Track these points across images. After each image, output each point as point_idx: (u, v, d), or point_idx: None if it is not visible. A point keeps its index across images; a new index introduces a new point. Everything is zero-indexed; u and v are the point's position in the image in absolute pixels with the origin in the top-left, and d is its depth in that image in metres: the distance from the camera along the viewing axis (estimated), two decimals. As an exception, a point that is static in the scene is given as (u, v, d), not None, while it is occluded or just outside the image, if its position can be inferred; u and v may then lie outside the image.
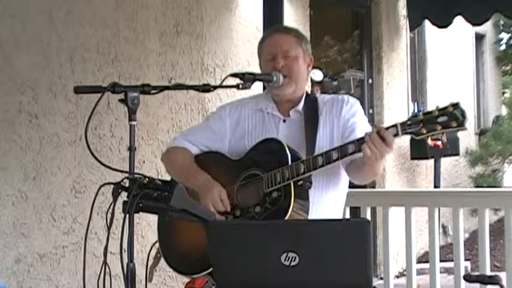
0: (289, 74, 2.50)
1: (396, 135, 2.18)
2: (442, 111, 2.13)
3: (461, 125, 2.11)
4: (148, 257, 2.51)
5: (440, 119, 2.12)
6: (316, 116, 2.53)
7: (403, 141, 7.00)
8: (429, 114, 2.15)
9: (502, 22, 11.04)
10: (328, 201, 2.50)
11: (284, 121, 2.57)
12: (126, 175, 1.98)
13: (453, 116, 2.11)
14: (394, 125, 2.19)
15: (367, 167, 2.31)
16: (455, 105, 2.11)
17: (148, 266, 2.57)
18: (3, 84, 3.52)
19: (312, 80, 6.04)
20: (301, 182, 2.35)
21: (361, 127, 2.50)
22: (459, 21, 4.82)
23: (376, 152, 2.19)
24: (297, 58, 2.53)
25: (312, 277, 1.79)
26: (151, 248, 2.59)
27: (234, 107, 2.66)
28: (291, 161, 2.35)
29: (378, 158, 2.21)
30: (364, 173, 2.41)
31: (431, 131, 2.14)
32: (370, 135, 2.19)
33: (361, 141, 2.23)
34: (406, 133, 2.18)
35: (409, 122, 2.17)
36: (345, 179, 2.55)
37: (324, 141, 2.49)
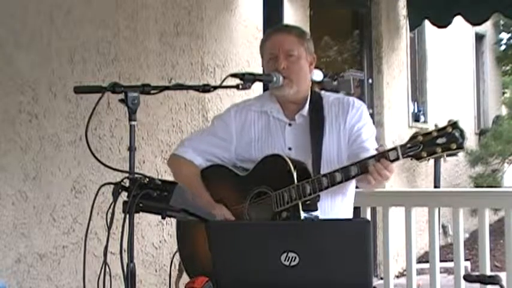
0: (290, 75, 2.48)
1: (397, 159, 2.20)
2: (441, 131, 2.12)
3: (460, 147, 2.11)
4: (170, 266, 2.51)
5: (439, 141, 2.12)
6: (322, 119, 2.51)
7: (403, 142, 7.00)
8: (428, 136, 2.14)
9: (502, 22, 11.04)
10: (337, 207, 2.49)
11: (290, 125, 2.55)
12: (126, 175, 1.98)
13: (452, 137, 2.10)
14: (394, 148, 2.20)
15: (370, 185, 2.34)
16: (454, 125, 2.11)
17: (172, 276, 2.57)
18: (3, 84, 3.52)
19: (312, 80, 6.03)
20: (309, 201, 2.35)
21: (366, 131, 2.51)
22: (459, 21, 4.82)
23: (380, 180, 2.24)
24: (299, 58, 2.51)
25: (312, 277, 1.79)
26: (173, 257, 2.57)
27: (239, 111, 2.62)
28: (297, 180, 2.33)
29: (381, 182, 2.27)
30: (367, 187, 2.43)
31: (432, 154, 2.14)
32: (374, 166, 2.21)
33: (363, 163, 2.25)
34: (408, 156, 2.18)
35: (409, 145, 2.17)
36: (352, 184, 2.53)
37: (330, 147, 2.48)
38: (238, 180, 2.52)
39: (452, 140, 2.10)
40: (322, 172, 2.39)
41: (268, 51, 2.54)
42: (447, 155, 2.16)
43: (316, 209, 2.38)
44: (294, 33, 2.56)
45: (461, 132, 2.10)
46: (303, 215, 2.34)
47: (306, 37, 2.59)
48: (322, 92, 2.64)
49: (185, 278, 2.59)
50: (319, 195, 2.36)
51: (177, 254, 2.63)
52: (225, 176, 2.56)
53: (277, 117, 2.56)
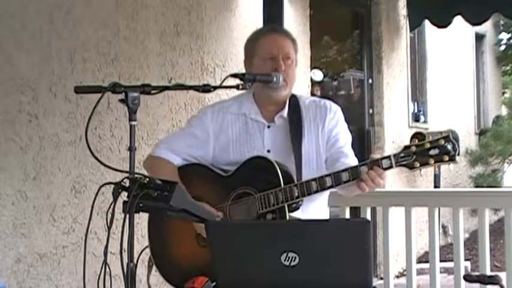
0: (287, 78, 2.50)
1: (390, 167, 2.25)
2: (434, 143, 2.19)
3: (452, 159, 2.18)
4: (137, 260, 2.51)
5: (432, 152, 2.19)
6: (300, 121, 2.54)
7: (403, 142, 7.00)
8: (421, 147, 2.20)
9: (502, 22, 11.04)
10: (315, 209, 2.52)
11: (268, 127, 2.56)
12: (126, 175, 1.98)
13: (444, 149, 2.17)
14: (388, 157, 2.24)
15: (359, 192, 2.36)
16: (447, 138, 2.17)
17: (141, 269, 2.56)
18: (3, 84, 3.52)
19: (311, 80, 6.03)
20: (295, 204, 2.37)
21: (343, 136, 2.56)
22: (459, 21, 4.83)
23: (373, 187, 2.27)
24: (293, 62, 2.55)
25: (312, 277, 1.79)
26: (141, 252, 2.56)
27: (216, 112, 2.61)
28: (283, 182, 2.35)
29: (372, 189, 2.29)
30: (353, 193, 2.45)
31: (424, 164, 2.22)
32: (368, 174, 2.25)
33: (355, 169, 2.28)
34: (400, 165, 2.24)
35: (402, 154, 2.23)
36: None
37: (309, 149, 2.51)
38: (220, 180, 2.51)
39: (444, 152, 2.17)
40: (303, 174, 2.41)
41: (266, 51, 2.54)
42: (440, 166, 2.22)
43: (298, 210, 2.40)
44: (290, 37, 2.61)
45: (454, 145, 2.17)
46: (288, 217, 2.36)
47: (295, 41, 2.63)
48: (298, 95, 2.66)
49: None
50: (302, 199, 2.38)
51: (147, 249, 2.62)
52: (205, 176, 2.55)
53: (255, 119, 2.57)
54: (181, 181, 2.50)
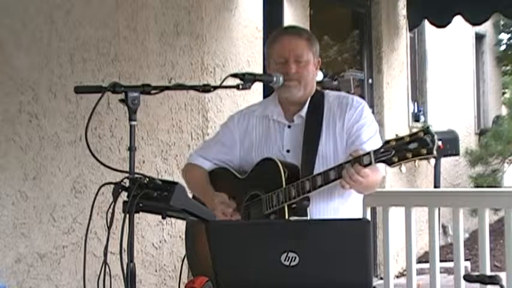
0: (300, 79, 2.50)
1: (370, 163, 2.18)
2: (413, 136, 2.10)
3: (430, 153, 2.08)
4: (181, 268, 2.54)
5: (411, 146, 2.10)
6: (320, 120, 2.52)
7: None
8: (400, 141, 2.13)
9: (502, 22, 11.04)
10: (334, 211, 2.48)
11: (289, 127, 2.57)
12: (126, 175, 1.98)
13: (423, 142, 2.08)
14: (368, 153, 2.19)
15: (360, 190, 2.38)
16: (426, 130, 2.09)
17: (182, 278, 2.59)
18: (3, 84, 3.52)
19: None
20: (295, 205, 2.37)
21: (368, 131, 2.49)
22: (459, 21, 4.83)
23: (354, 185, 2.23)
24: (308, 63, 2.52)
25: (312, 277, 1.79)
26: (184, 259, 2.62)
27: (242, 116, 2.68)
28: (286, 183, 2.37)
29: (356, 187, 2.26)
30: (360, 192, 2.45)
31: (402, 159, 2.12)
32: (347, 171, 2.21)
33: (340, 167, 2.25)
34: (380, 161, 2.17)
35: (382, 150, 2.16)
36: None
37: (327, 148, 2.49)
38: (237, 182, 2.57)
39: (422, 145, 2.08)
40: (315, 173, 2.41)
41: (278, 54, 2.54)
42: (420, 160, 2.14)
43: (306, 215, 2.39)
44: (305, 37, 2.56)
45: (432, 137, 2.07)
46: (289, 218, 2.37)
47: (314, 41, 2.60)
48: (326, 92, 2.64)
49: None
50: (308, 200, 2.38)
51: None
52: (226, 178, 2.62)
53: (277, 120, 2.59)
54: (211, 184, 2.64)
